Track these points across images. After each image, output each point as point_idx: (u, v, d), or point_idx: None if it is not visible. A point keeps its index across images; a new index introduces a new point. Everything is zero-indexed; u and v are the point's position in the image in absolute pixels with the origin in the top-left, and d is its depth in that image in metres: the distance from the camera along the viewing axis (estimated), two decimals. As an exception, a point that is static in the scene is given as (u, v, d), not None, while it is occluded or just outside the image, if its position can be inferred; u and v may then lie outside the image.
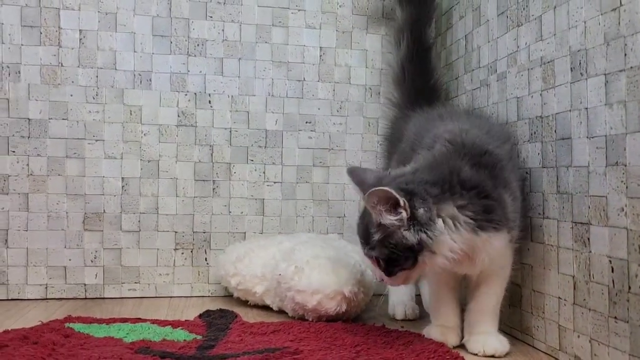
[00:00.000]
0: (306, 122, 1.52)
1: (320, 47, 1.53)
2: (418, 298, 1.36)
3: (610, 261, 0.86)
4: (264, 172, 1.51)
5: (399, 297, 1.33)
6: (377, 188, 0.89)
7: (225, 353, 0.95)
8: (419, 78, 1.36)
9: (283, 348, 0.98)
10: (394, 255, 0.92)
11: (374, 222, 0.93)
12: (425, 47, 1.39)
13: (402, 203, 0.89)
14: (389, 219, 0.90)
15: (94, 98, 1.43)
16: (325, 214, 1.53)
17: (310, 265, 1.19)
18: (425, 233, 0.90)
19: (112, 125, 1.44)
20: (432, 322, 1.09)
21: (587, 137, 0.91)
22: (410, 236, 0.90)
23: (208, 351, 0.97)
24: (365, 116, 1.55)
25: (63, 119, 1.41)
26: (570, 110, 0.96)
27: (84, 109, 1.42)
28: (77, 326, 1.11)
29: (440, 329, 1.06)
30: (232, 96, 1.49)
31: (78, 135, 1.42)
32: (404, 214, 0.89)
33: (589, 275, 0.91)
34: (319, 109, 1.53)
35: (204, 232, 1.48)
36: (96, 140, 1.43)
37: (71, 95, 1.42)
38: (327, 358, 0.93)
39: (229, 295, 1.46)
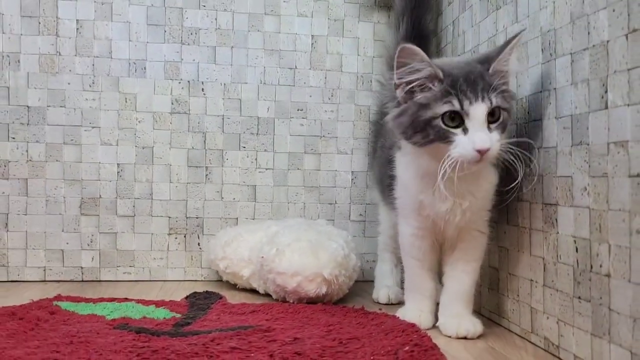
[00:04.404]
0: (298, 110, 1.54)
1: (312, 35, 1.54)
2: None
3: (575, 241, 0.86)
4: (255, 159, 1.53)
5: (383, 281, 1.34)
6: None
7: (199, 330, 0.98)
8: None
9: (256, 326, 1.00)
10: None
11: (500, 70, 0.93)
12: (424, 34, 1.36)
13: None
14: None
15: (90, 86, 1.47)
16: (317, 200, 1.55)
17: (291, 247, 1.20)
18: None
19: (108, 113, 1.48)
20: (407, 303, 1.10)
21: (556, 118, 0.91)
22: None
23: (183, 328, 1.00)
24: (356, 104, 1.56)
25: (61, 107, 1.46)
26: (541, 92, 0.96)
27: (81, 97, 1.47)
28: (64, 304, 1.15)
29: (416, 310, 1.07)
30: (224, 84, 1.51)
31: (75, 123, 1.46)
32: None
33: (557, 256, 0.91)
34: (310, 96, 1.54)
35: (197, 218, 1.51)
36: (92, 127, 1.47)
37: (68, 84, 1.46)
38: (297, 335, 0.94)
39: (220, 280, 1.48)
